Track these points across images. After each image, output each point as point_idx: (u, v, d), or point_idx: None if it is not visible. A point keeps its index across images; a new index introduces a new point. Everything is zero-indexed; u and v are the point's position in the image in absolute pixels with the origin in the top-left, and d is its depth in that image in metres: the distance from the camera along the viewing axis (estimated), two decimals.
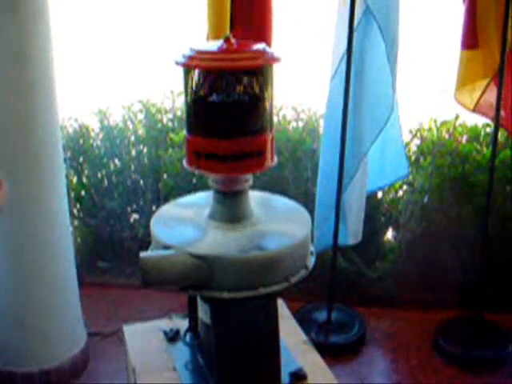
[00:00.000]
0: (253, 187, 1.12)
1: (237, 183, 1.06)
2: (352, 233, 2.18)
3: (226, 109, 0.97)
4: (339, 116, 1.97)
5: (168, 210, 1.18)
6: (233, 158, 0.98)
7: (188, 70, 0.99)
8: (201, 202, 1.22)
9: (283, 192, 2.19)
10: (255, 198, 1.18)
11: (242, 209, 1.09)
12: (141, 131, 2.67)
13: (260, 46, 1.01)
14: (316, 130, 2.47)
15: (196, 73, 0.98)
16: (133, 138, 2.64)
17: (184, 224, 1.11)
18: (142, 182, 2.65)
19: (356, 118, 2.01)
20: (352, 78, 1.93)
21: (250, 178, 1.08)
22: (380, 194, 2.47)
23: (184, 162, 1.07)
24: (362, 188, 2.14)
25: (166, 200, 2.33)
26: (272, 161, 1.06)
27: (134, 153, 2.64)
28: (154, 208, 2.58)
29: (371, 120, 1.99)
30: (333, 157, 2.04)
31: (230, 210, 1.08)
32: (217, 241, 1.04)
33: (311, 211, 2.07)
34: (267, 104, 1.01)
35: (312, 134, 2.46)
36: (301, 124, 2.54)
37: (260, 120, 1.00)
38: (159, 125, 2.63)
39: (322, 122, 2.42)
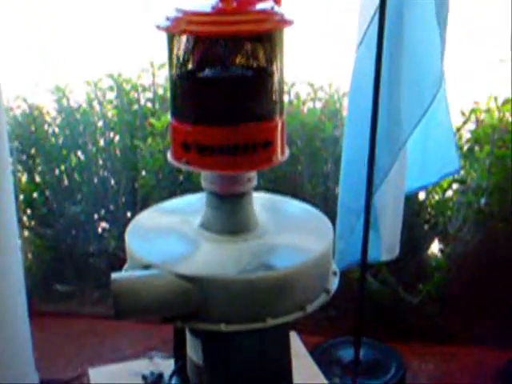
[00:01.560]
0: (258, 188, 1.13)
1: (237, 183, 1.07)
2: (386, 246, 2.19)
3: (223, 87, 0.98)
4: (369, 94, 1.98)
5: (147, 217, 1.19)
6: (232, 150, 0.99)
7: (173, 36, 1.00)
8: (190, 207, 1.22)
9: (296, 193, 2.21)
10: (261, 202, 1.18)
11: (243, 216, 1.09)
12: (111, 114, 2.68)
13: (266, 4, 1.02)
14: (338, 113, 2.48)
15: (183, 40, 0.99)
16: (101, 124, 2.65)
17: (168, 236, 1.12)
18: (113, 180, 2.66)
19: (391, 95, 2.01)
20: (386, 44, 1.93)
21: (254, 176, 1.09)
22: (422, 196, 2.48)
23: (168, 156, 1.08)
24: (398, 188, 2.15)
25: (145, 204, 2.35)
26: (282, 154, 1.06)
27: (102, 143, 2.65)
28: (129, 215, 2.59)
29: (412, 98, 1.99)
30: (360, 147, 2.05)
31: (229, 217, 1.09)
32: (211, 257, 1.05)
33: (333, 218, 2.08)
34: (276, 80, 1.02)
35: (333, 117, 2.48)
36: (319, 105, 2.55)
37: (267, 101, 1.01)
38: (135, 106, 2.65)
39: (346, 102, 2.43)
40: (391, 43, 1.95)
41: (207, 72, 1.00)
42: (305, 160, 2.46)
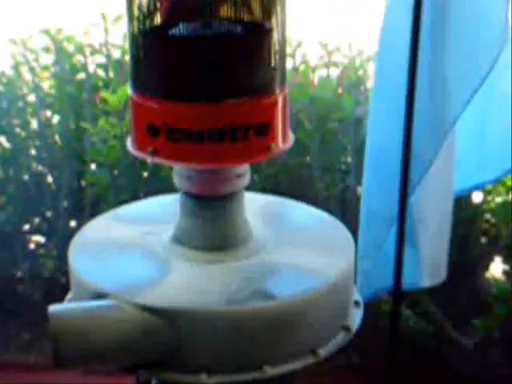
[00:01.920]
0: (251, 187, 1.14)
1: (223, 181, 1.07)
2: (428, 266, 2.21)
3: (203, 49, 0.99)
4: (403, 56, 2.00)
5: (99, 228, 1.20)
6: (215, 136, 1.00)
7: None
8: (158, 214, 1.23)
9: (304, 194, 2.22)
10: (256, 207, 1.19)
11: (231, 226, 1.10)
12: (48, 86, 2.69)
13: None
14: (361, 83, 2.51)
15: None
16: (33, 99, 2.65)
17: (128, 254, 1.12)
18: (50, 176, 2.67)
19: (435, 58, 2.03)
20: None
21: (245, 171, 1.10)
22: (478, 197, 2.50)
23: (128, 143, 1.08)
24: (445, 187, 2.17)
25: (96, 210, 2.36)
26: (284, 141, 1.07)
27: (35, 125, 2.66)
28: (73, 224, 2.60)
29: (464, 62, 2.00)
30: (391, 131, 2.07)
31: (212, 228, 1.10)
32: (187, 283, 1.05)
33: (354, 229, 2.09)
34: (276, 39, 1.03)
35: (354, 89, 2.50)
36: (335, 72, 2.57)
37: (263, 69, 1.02)
38: (81, 75, 2.66)
39: (371, 69, 2.45)
40: None
41: (181, 28, 1.00)
42: (316, 149, 2.48)
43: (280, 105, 1.05)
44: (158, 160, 1.04)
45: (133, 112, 1.07)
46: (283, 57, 1.05)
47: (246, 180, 1.11)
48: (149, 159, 1.04)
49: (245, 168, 1.10)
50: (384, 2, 2.03)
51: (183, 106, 1.00)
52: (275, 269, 1.09)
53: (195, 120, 1.00)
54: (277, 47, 1.03)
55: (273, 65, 1.03)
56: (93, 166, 2.60)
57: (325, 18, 2.77)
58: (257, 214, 1.19)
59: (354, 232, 2.10)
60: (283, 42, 1.05)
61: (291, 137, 1.11)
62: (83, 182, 2.61)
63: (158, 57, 1.01)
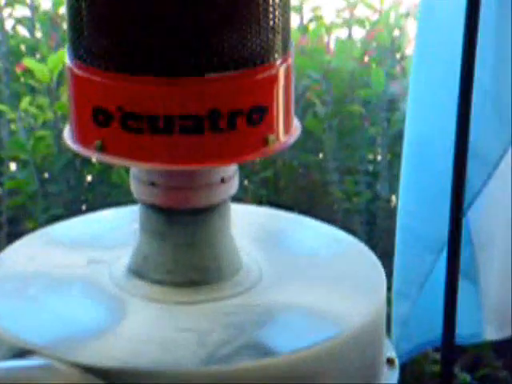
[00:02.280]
0: (241, 196, 1.15)
1: (202, 189, 1.09)
2: (494, 312, 2.21)
3: (184, 3, 0.99)
4: (457, 13, 2.01)
5: (25, 255, 1.20)
6: (192, 125, 1.00)
7: None
8: (107, 234, 1.24)
9: (316, 206, 2.21)
10: (249, 225, 1.21)
11: (213, 252, 1.12)
12: None
13: None
14: (397, 49, 2.51)
15: None
16: None
17: (66, 291, 1.13)
18: None
19: (501, 17, 2.04)
20: None
21: (233, 174, 1.11)
22: None
23: (65, 134, 1.09)
24: None
25: (16, 228, 2.35)
26: (287, 131, 1.08)
27: None
28: None
29: None
30: (440, 118, 2.07)
31: (185, 254, 1.11)
32: (148, 333, 1.06)
33: (386, 256, 2.09)
34: None
35: (387, 58, 2.50)
36: (359, 33, 2.58)
37: (258, 29, 1.02)
38: None
39: (411, 29, 2.46)
40: None
41: None
42: (332, 142, 2.49)
43: (281, 81, 1.06)
44: (108, 158, 1.05)
45: (72, 90, 1.07)
46: (286, 11, 1.06)
47: (234, 187, 1.11)
48: (95, 156, 1.05)
49: (231, 170, 1.10)
50: None
51: (145, 81, 1.00)
52: (274, 313, 1.09)
53: (162, 102, 1.00)
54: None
55: (271, 23, 1.03)
56: (12, 166, 2.59)
57: None
58: (249, 235, 1.20)
59: (387, 261, 2.09)
60: None
61: (297, 126, 1.12)
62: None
63: (109, 11, 1.02)
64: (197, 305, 1.09)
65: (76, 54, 1.05)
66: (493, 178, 2.09)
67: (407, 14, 2.54)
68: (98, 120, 1.03)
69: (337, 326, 1.07)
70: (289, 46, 1.07)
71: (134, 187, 1.10)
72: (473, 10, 1.96)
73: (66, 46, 1.08)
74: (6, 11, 2.67)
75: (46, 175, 2.52)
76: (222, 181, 1.09)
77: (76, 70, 1.05)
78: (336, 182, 2.48)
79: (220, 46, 1.01)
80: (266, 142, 1.05)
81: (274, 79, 1.05)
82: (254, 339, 1.04)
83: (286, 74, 1.06)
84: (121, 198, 1.16)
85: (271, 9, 1.03)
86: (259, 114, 1.04)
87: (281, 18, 1.05)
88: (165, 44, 1.00)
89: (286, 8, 1.06)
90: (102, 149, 1.03)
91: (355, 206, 2.47)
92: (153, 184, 1.08)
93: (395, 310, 2.14)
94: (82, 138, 1.06)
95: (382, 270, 1.17)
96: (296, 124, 1.11)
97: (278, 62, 1.05)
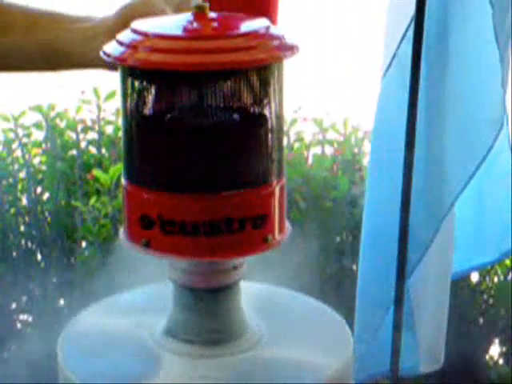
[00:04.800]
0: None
1: (219, 274, 1.07)
2: (426, 351, 2.18)
3: (198, 139, 0.99)
4: (399, 137, 2.01)
5: (91, 319, 1.18)
6: (211, 228, 0.99)
7: (127, 68, 1.01)
8: (151, 304, 1.22)
9: (298, 277, 2.20)
10: (252, 297, 1.18)
11: (227, 319, 1.09)
12: (38, 162, 2.69)
13: (260, 23, 1.03)
14: (357, 162, 2.51)
15: (141, 75, 1.00)
16: (23, 175, 2.65)
17: (119, 348, 1.11)
18: (39, 254, 2.65)
19: (432, 140, 2.04)
20: (423, 69, 1.95)
21: (242, 263, 1.09)
22: (475, 278, 2.48)
23: (120, 234, 1.08)
24: (443, 269, 2.16)
25: (87, 292, 2.33)
26: (281, 231, 1.07)
27: (24, 201, 2.65)
28: (61, 303, 2.57)
29: (461, 144, 2.01)
30: (388, 212, 2.06)
31: (206, 321, 1.08)
32: (179, 381, 1.04)
33: (350, 310, 2.07)
34: (273, 129, 1.03)
35: (350, 168, 2.51)
36: (329, 151, 2.58)
37: (260, 159, 1.02)
38: (72, 151, 2.66)
39: (367, 147, 2.46)
40: (431, 67, 1.97)
41: (175, 119, 1.00)
42: (310, 229, 2.47)
43: (277, 196, 1.04)
44: (151, 253, 1.02)
45: (126, 202, 1.06)
46: (281, 147, 1.05)
47: (243, 271, 1.09)
48: (142, 252, 1.03)
49: (241, 260, 1.08)
50: (380, 79, 2.05)
51: (178, 197, 0.99)
52: (271, 364, 1.07)
53: (190, 212, 0.99)
54: (274, 137, 1.03)
55: (270, 155, 1.03)
56: (83, 244, 2.57)
57: (319, 94, 2.78)
58: (252, 305, 1.17)
59: (351, 314, 2.07)
60: (280, 131, 1.05)
61: (288, 227, 1.10)
62: (74, 262, 2.59)
63: (152, 147, 1.01)
64: (215, 358, 1.07)
65: (129, 177, 1.04)
66: (426, 255, 2.07)
67: (364, 138, 2.55)
68: (143, 224, 1.01)
69: (316, 374, 1.05)
70: (283, 171, 1.06)
71: (170, 272, 1.08)
72: (410, 137, 1.96)
73: (123, 170, 1.06)
74: (82, 135, 2.67)
75: (107, 250, 2.49)
76: (234, 268, 1.08)
77: (129, 188, 1.04)
78: (313, 258, 2.47)
79: (234, 173, 1.00)
80: (265, 241, 1.03)
81: (271, 195, 1.03)
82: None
83: (280, 191, 1.05)
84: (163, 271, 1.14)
85: (270, 145, 1.02)
86: (261, 220, 1.02)
87: (277, 151, 1.04)
88: (193, 172, 0.99)
89: (280, 142, 1.05)
90: (147, 246, 1.02)
91: (327, 275, 2.46)
92: (183, 270, 1.06)
93: (355, 349, 2.10)
94: (132, 236, 1.04)
95: (350, 332, 1.15)
96: (287, 225, 1.10)
97: (275, 183, 1.04)
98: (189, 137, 0.99)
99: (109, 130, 2.69)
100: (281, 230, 1.06)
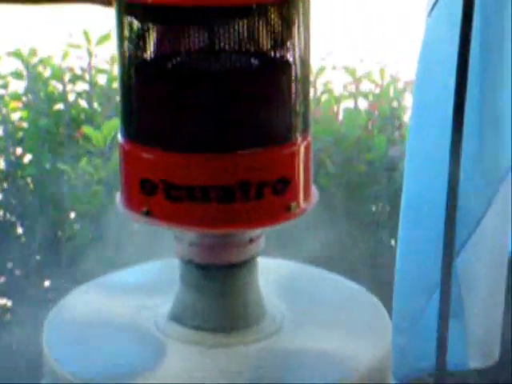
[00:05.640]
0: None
1: (233, 248, 1.07)
2: (478, 344, 2.18)
3: (209, 88, 0.98)
4: (446, 89, 1.99)
5: (82, 301, 1.19)
6: (225, 194, 0.99)
7: (124, 3, 1.01)
8: (153, 282, 1.23)
9: (324, 256, 2.20)
10: (272, 277, 1.19)
11: (243, 302, 1.10)
12: (17, 118, 2.69)
13: None
14: (396, 119, 2.50)
15: (141, 12, 1.01)
16: (0, 133, 2.66)
17: (116, 335, 1.11)
18: (20, 227, 2.66)
19: (485, 97, 2.02)
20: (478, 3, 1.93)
21: (259, 235, 1.09)
22: None
23: (117, 200, 1.08)
24: (498, 247, 2.15)
25: (76, 271, 2.34)
26: (307, 199, 1.07)
27: (1, 164, 2.66)
28: (47, 284, 2.58)
29: None
30: (433, 179, 2.06)
31: (219, 304, 1.10)
32: (185, 373, 1.04)
33: (388, 294, 2.07)
34: (298, 76, 1.02)
35: (388, 125, 2.50)
36: (363, 105, 2.57)
37: (282, 112, 1.02)
38: (59, 105, 2.66)
39: (408, 101, 2.45)
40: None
41: (181, 64, 1.00)
42: (340, 198, 2.47)
43: (302, 156, 1.05)
44: (153, 222, 1.03)
45: (123, 164, 1.06)
46: (306, 98, 1.05)
47: (261, 245, 1.10)
48: (143, 221, 1.03)
49: (259, 232, 1.08)
50: (424, 22, 2.03)
51: (185, 158, 1.00)
52: (293, 355, 1.07)
53: (200, 175, 1.00)
54: (299, 87, 1.03)
55: (294, 108, 1.03)
56: (72, 215, 2.58)
57: (352, 38, 2.76)
58: (272, 286, 1.18)
59: (388, 298, 2.07)
60: (306, 80, 1.05)
61: (315, 194, 1.10)
62: (61, 235, 2.60)
63: (154, 98, 1.01)
64: (227, 348, 1.07)
65: (127, 134, 1.05)
66: (477, 231, 2.07)
67: (404, 89, 2.53)
68: (145, 190, 1.02)
69: (346, 369, 1.05)
70: (308, 126, 1.06)
71: (175, 246, 1.09)
72: (461, 92, 1.94)
73: (120, 127, 1.07)
74: (69, 86, 2.67)
75: (102, 223, 2.50)
76: (251, 241, 1.08)
77: (127, 148, 1.05)
78: (343, 234, 2.47)
79: (250, 127, 1.00)
80: (288, 209, 1.04)
81: (296, 155, 1.04)
82: (274, 380, 1.03)
83: (306, 150, 1.05)
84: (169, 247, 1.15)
85: (294, 94, 1.02)
86: (283, 185, 1.02)
87: (302, 102, 1.04)
88: (202, 127, 0.99)
89: (306, 92, 1.05)
90: (148, 215, 1.02)
91: (361, 251, 2.46)
92: (191, 244, 1.07)
93: (393, 341, 2.10)
94: (131, 204, 1.05)
95: (388, 317, 1.16)
96: (314, 191, 1.10)
97: (299, 140, 1.04)
98: (197, 85, 0.98)
99: (102, 79, 2.68)
100: (306, 196, 1.07)
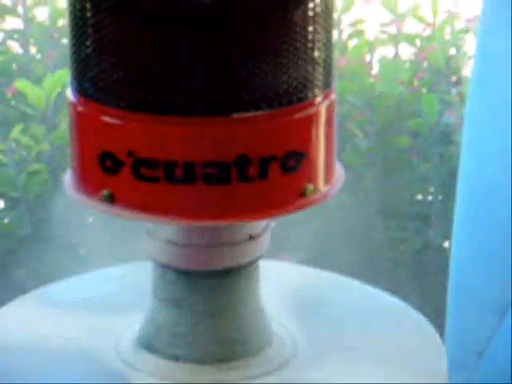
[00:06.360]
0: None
1: (228, 246, 1.08)
2: None
3: (198, 24, 0.99)
4: None
5: (16, 321, 1.21)
6: (219, 173, 1.00)
7: None
8: (114, 295, 1.24)
9: (352, 261, 2.21)
10: (281, 287, 1.21)
11: (241, 322, 1.11)
12: None
13: None
14: (454, 71, 2.51)
15: None
16: None
17: (63, 370, 1.12)
18: None
19: None
20: None
21: (264, 229, 1.11)
22: None
23: (65, 181, 1.10)
24: None
25: (6, 282, 2.36)
26: (329, 179, 1.09)
27: None
28: None
29: None
30: (503, 155, 2.07)
31: (207, 324, 1.10)
32: None
33: (438, 315, 2.08)
34: (316, 10, 1.03)
35: (442, 81, 2.50)
36: (408, 53, 2.58)
37: (296, 60, 1.02)
38: None
39: (470, 46, 2.46)
40: None
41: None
42: (375, 179, 2.48)
43: (323, 121, 1.06)
44: (117, 211, 1.04)
45: (75, 130, 1.07)
46: (328, 42, 1.06)
47: (264, 245, 1.11)
48: (102, 210, 1.04)
49: (261, 226, 1.10)
50: None
51: (161, 122, 1.00)
52: None
53: (182, 146, 1.00)
54: (318, 26, 1.03)
55: (311, 55, 1.03)
56: (1, 204, 2.60)
57: None
58: (281, 299, 1.20)
59: (440, 323, 2.08)
60: (327, 17, 1.06)
61: (340, 173, 1.11)
62: None
63: (121, 36, 1.01)
64: None
65: (80, 88, 1.05)
66: None
67: (465, 30, 2.53)
68: (105, 166, 1.02)
69: None
70: (332, 80, 1.07)
71: (147, 244, 1.10)
72: None
73: (69, 79, 1.07)
74: None
75: (41, 215, 2.51)
76: (251, 238, 1.09)
77: (80, 107, 1.05)
78: (379, 227, 2.48)
79: (250, 79, 1.00)
80: (302, 194, 1.04)
81: (313, 119, 1.04)
82: None
83: (327, 113, 1.06)
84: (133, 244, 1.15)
85: (311, 36, 1.03)
86: (296, 161, 1.03)
87: (322, 47, 1.04)
88: (186, 78, 0.99)
89: (328, 34, 1.06)
90: (110, 200, 1.03)
91: (402, 255, 2.47)
92: (169, 242, 1.08)
93: (450, 377, 2.12)
94: (86, 186, 1.06)
95: (443, 346, 1.16)
96: (339, 170, 1.11)
97: (319, 99, 1.04)
98: (182, 21, 0.99)
99: (41, 13, 2.69)
100: (327, 177, 1.08)
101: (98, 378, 1.11)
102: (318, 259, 1.35)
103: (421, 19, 2.66)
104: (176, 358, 1.10)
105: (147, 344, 1.12)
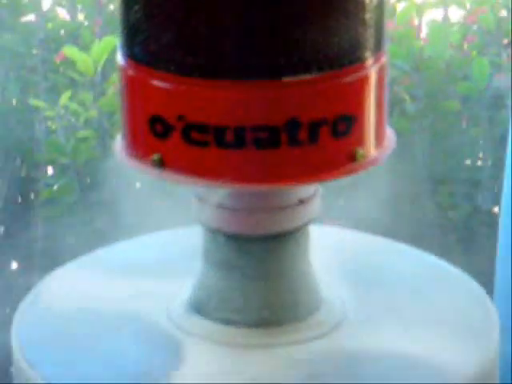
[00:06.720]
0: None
1: (278, 211, 1.09)
2: None
3: None
4: None
5: (67, 285, 1.21)
6: (269, 137, 1.00)
7: None
8: (165, 260, 1.25)
9: (403, 226, 2.20)
10: (333, 252, 1.21)
11: (290, 286, 1.11)
12: None
13: None
14: (506, 34, 2.49)
15: None
16: None
17: (114, 332, 1.13)
18: None
19: None
20: None
21: (315, 194, 1.11)
22: None
23: (116, 146, 1.10)
24: None
25: (55, 248, 2.36)
26: (380, 144, 1.08)
27: None
28: (14, 267, 2.61)
29: None
30: None
31: (257, 289, 1.11)
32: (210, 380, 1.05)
33: (489, 283, 2.07)
34: None
35: (493, 44, 2.48)
36: (457, 15, 2.55)
37: (345, 23, 1.02)
38: (29, 16, 2.66)
39: None
40: None
41: None
42: (422, 148, 2.47)
43: (373, 85, 1.05)
44: (167, 175, 1.04)
45: (125, 95, 1.08)
46: (380, 2, 1.05)
47: (315, 210, 1.11)
48: (152, 174, 1.04)
49: (312, 190, 1.10)
50: None
51: (212, 86, 1.00)
52: (361, 361, 1.08)
53: (232, 111, 1.00)
54: None
55: (361, 15, 1.03)
56: (49, 170, 2.60)
57: None
58: (331, 264, 1.20)
59: (489, 289, 2.07)
60: None
61: (390, 137, 1.11)
62: (33, 197, 2.63)
63: (170, 2, 1.02)
64: (269, 349, 1.09)
65: (130, 52, 1.05)
66: None
67: None
68: (155, 131, 1.03)
69: (439, 379, 1.06)
70: (383, 42, 1.06)
71: (197, 210, 1.11)
72: None
73: (119, 44, 1.08)
74: None
75: (88, 182, 2.51)
76: (301, 202, 1.09)
77: (130, 71, 1.05)
78: (428, 193, 2.47)
79: (300, 43, 1.00)
80: (353, 158, 1.04)
81: (364, 82, 1.04)
82: None
83: (378, 76, 1.06)
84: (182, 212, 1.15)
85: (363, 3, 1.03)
86: (346, 125, 1.03)
87: (374, 8, 1.04)
88: (236, 41, 1.00)
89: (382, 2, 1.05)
90: (160, 164, 1.03)
91: (451, 221, 2.45)
92: (220, 207, 1.08)
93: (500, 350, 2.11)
94: (136, 151, 1.06)
95: (495, 311, 1.16)
96: (389, 134, 1.10)
97: (370, 62, 1.04)
98: None
99: None
100: (378, 141, 1.08)
101: (149, 340, 1.11)
102: (366, 225, 1.34)
103: None
104: (226, 322, 1.11)
105: (198, 308, 1.12)
